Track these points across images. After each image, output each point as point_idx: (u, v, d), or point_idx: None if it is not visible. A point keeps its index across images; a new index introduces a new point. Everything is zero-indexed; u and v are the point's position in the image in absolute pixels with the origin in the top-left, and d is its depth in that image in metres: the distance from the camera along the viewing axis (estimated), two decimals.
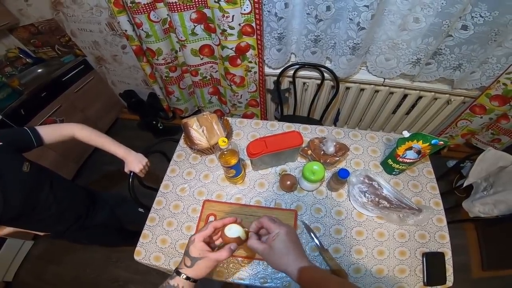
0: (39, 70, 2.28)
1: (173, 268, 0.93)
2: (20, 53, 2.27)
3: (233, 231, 0.64)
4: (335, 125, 2.25)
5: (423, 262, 0.90)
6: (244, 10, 1.43)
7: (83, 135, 1.10)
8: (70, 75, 2.23)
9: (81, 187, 1.33)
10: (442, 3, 1.25)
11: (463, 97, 1.66)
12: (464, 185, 1.39)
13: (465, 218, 1.33)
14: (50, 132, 1.04)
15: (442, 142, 0.94)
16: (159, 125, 2.66)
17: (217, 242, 0.70)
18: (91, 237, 1.39)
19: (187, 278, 0.60)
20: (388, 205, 0.97)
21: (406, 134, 1.00)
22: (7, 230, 1.05)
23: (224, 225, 0.66)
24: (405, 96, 1.78)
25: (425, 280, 0.87)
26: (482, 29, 1.29)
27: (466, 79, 1.55)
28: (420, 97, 1.76)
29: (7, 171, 0.88)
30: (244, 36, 1.56)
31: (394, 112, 1.96)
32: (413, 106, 1.86)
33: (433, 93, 1.69)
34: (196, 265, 0.61)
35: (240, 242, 0.65)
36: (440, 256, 0.91)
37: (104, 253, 1.95)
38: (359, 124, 2.18)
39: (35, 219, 1.03)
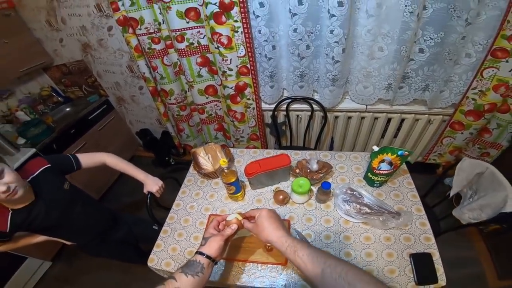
0: (68, 109, 2.54)
1: None
2: (52, 92, 2.55)
3: (232, 216, 0.88)
4: None
5: (411, 263, 0.97)
6: (240, 53, 1.68)
7: (112, 161, 1.36)
8: (94, 114, 2.48)
9: (106, 207, 1.54)
10: (396, 31, 1.46)
11: (441, 116, 1.81)
12: (451, 195, 1.46)
13: (459, 225, 1.40)
14: (87, 159, 1.30)
15: (407, 153, 1.11)
16: (171, 161, 2.91)
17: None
18: (111, 251, 1.56)
19: (203, 255, 0.76)
20: (369, 211, 1.10)
21: (375, 148, 1.17)
22: (41, 238, 1.24)
23: (223, 219, 0.90)
24: (389, 120, 1.94)
25: (416, 280, 0.92)
26: (435, 50, 1.49)
27: (438, 98, 1.71)
28: (403, 120, 1.91)
29: (52, 188, 1.12)
30: (241, 76, 1.80)
31: (383, 136, 2.09)
32: (399, 129, 2.00)
33: (413, 114, 1.84)
34: (208, 242, 0.79)
35: (239, 222, 0.86)
36: (427, 256, 0.97)
37: (118, 275, 2.04)
38: (353, 150, 2.27)
39: (66, 230, 1.24)
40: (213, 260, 0.77)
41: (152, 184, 1.35)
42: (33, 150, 1.95)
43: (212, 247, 0.78)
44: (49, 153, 2.01)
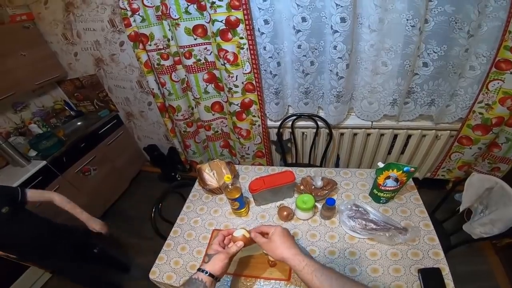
0: (79, 123, 2.60)
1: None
2: (65, 106, 2.62)
3: (239, 232, 0.86)
4: None
5: (419, 278, 0.94)
6: (245, 70, 1.71)
7: (59, 200, 1.49)
8: (104, 129, 2.53)
9: (57, 225, 1.61)
10: (399, 46, 1.46)
11: (449, 131, 1.78)
12: (460, 210, 1.42)
13: (470, 240, 1.37)
14: (37, 195, 1.46)
15: (413, 169, 1.10)
16: (177, 176, 2.93)
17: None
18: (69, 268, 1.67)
19: (206, 272, 0.73)
20: (375, 227, 1.08)
21: (380, 164, 1.17)
22: None
23: (229, 233, 0.87)
24: (395, 136, 1.92)
25: None
26: (439, 64, 1.49)
27: (444, 113, 1.69)
28: (409, 136, 1.89)
29: None
30: (247, 93, 1.83)
31: (389, 152, 2.06)
32: (406, 145, 1.97)
33: (419, 130, 1.82)
34: (212, 260, 0.76)
35: (245, 239, 0.84)
36: (436, 271, 0.94)
37: None
38: (360, 167, 2.25)
39: (5, 245, 1.38)
40: (216, 278, 0.74)
41: (95, 224, 1.50)
42: (43, 163, 1.99)
43: (216, 265, 0.75)
44: (59, 166, 2.11)
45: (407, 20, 1.37)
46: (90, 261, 1.85)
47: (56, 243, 1.54)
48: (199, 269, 0.75)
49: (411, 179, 1.30)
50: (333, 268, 0.76)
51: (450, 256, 1.02)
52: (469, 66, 1.50)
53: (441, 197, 1.56)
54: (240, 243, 0.82)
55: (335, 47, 1.49)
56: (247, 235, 0.85)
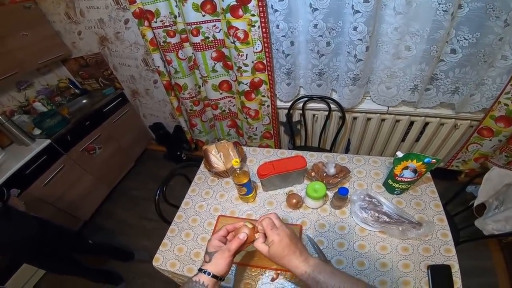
0: (84, 101, 2.57)
1: (186, 274, 1.04)
2: (69, 84, 2.60)
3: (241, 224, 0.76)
4: None
5: (428, 274, 0.92)
6: (256, 49, 1.63)
7: None
8: (109, 106, 2.50)
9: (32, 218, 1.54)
10: (427, 30, 1.37)
11: (469, 121, 1.70)
12: (475, 205, 1.38)
13: (481, 236, 1.33)
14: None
15: (434, 161, 1.03)
16: (182, 155, 2.90)
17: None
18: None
19: (208, 274, 0.65)
20: (388, 220, 1.04)
21: (400, 154, 1.09)
22: None
23: (235, 228, 0.75)
24: (411, 123, 1.84)
25: None
26: (469, 51, 1.39)
27: (467, 102, 1.60)
28: (426, 123, 1.81)
29: None
30: (257, 72, 1.75)
31: (403, 139, 1.99)
32: (421, 133, 1.90)
33: (438, 118, 1.74)
34: (213, 259, 0.67)
35: (248, 230, 0.72)
36: (446, 268, 0.92)
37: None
38: (370, 153, 2.22)
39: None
40: (220, 278, 0.67)
41: None
42: (48, 141, 1.98)
43: (219, 265, 0.66)
44: (64, 144, 2.09)
45: (439, 4, 1.27)
46: (87, 252, 1.83)
47: (48, 240, 1.49)
48: (200, 270, 0.67)
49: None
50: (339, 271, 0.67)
51: (456, 251, 1.00)
52: (501, 56, 1.39)
53: (452, 188, 1.51)
54: (243, 235, 0.71)
55: (355, 28, 1.39)
56: (250, 226, 0.74)
